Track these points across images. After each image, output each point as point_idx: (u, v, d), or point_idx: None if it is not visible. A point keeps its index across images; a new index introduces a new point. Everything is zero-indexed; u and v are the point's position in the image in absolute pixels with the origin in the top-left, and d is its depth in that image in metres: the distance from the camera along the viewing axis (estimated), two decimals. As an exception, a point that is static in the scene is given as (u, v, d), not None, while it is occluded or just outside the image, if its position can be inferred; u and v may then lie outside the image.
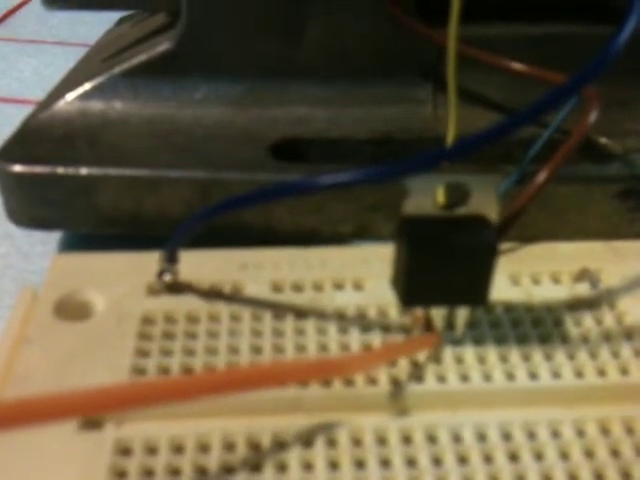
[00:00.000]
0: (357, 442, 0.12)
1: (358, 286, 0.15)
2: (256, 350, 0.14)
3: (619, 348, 0.13)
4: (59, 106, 0.20)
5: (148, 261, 0.15)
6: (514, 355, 0.13)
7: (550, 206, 0.18)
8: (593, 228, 0.18)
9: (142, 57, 0.20)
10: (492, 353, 0.13)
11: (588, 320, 0.14)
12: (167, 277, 0.15)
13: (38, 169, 0.18)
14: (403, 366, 0.13)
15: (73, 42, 0.35)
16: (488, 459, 0.12)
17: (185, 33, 0.20)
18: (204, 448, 0.12)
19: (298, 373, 0.12)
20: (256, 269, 0.16)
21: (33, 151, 0.19)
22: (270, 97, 0.20)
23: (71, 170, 0.18)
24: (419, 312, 0.14)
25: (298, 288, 0.15)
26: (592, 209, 0.18)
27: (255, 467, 0.12)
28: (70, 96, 0.20)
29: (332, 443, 0.12)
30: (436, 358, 0.13)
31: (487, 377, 0.13)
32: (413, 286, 0.13)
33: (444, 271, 0.12)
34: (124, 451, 0.12)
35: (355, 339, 0.14)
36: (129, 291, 0.15)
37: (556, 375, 0.13)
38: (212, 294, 0.15)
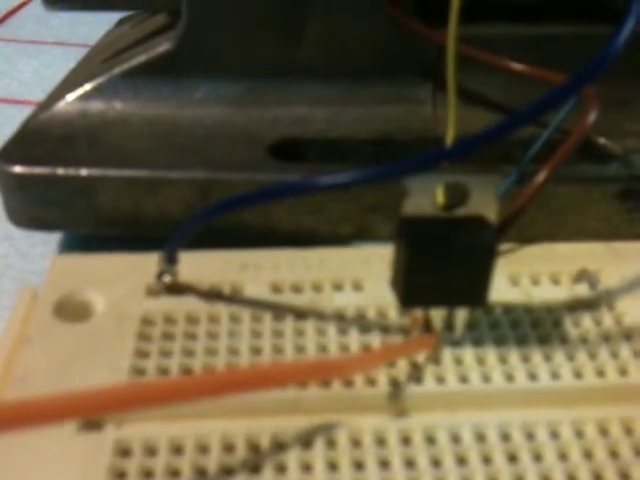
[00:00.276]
0: (356, 443, 0.12)
1: (357, 287, 0.15)
2: (255, 351, 0.14)
3: (618, 349, 0.13)
4: (59, 107, 0.20)
5: (148, 262, 0.15)
6: (513, 356, 0.13)
7: (549, 207, 0.18)
8: (592, 229, 0.18)
9: (142, 58, 0.20)
10: (491, 354, 0.13)
11: (587, 321, 0.14)
12: (167, 278, 0.15)
13: (38, 170, 0.18)
14: (402, 367, 0.13)
15: (73, 43, 0.35)
16: (487, 460, 0.12)
17: (185, 33, 0.20)
18: (204, 449, 0.12)
19: (297, 374, 0.12)
20: (256, 270, 0.16)
21: (33, 152, 0.19)
22: (270, 97, 0.20)
23: (71, 171, 0.18)
24: (418, 313, 0.14)
25: (297, 289, 0.15)
26: (591, 210, 0.18)
27: (254, 468, 0.12)
28: (70, 97, 0.20)
29: (331, 444, 0.12)
30: (435, 359, 0.13)
31: (486, 378, 0.13)
32: (412, 287, 0.13)
33: (443, 272, 0.12)
34: (124, 452, 0.12)
35: (354, 340, 0.14)
36: (129, 292, 0.15)
37: (555, 376, 0.13)
38: (212, 295, 0.15)
